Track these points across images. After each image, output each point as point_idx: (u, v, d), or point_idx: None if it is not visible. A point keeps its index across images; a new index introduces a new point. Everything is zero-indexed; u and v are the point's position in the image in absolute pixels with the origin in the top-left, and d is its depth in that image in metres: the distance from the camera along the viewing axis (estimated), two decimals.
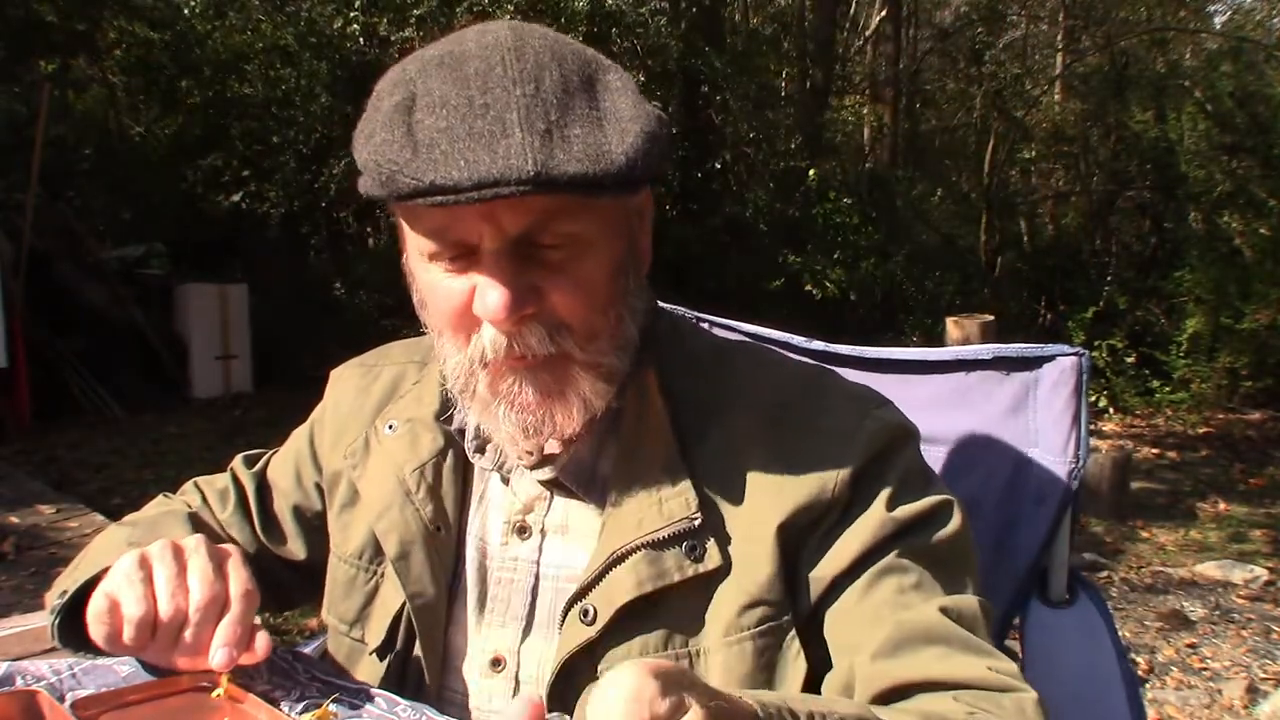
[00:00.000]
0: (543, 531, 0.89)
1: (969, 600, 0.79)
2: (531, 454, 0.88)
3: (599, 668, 0.81)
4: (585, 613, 0.81)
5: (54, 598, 0.89)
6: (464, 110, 0.72)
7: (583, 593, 0.82)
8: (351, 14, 7.30)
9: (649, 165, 0.74)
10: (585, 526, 0.87)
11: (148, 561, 0.82)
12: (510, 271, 0.75)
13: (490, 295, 0.75)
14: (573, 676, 0.82)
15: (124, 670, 0.86)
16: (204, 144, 7.95)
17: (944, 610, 0.77)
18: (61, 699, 0.79)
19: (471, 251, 0.76)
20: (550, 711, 0.81)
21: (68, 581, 0.90)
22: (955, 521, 0.83)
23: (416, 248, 0.80)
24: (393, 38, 7.08)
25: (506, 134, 0.70)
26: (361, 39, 7.39)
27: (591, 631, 0.81)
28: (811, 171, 8.61)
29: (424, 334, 1.02)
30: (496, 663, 0.88)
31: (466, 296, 0.78)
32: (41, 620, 0.90)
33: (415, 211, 0.77)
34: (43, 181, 6.11)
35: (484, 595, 0.89)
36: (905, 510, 0.81)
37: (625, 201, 0.81)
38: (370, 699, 0.83)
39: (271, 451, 1.09)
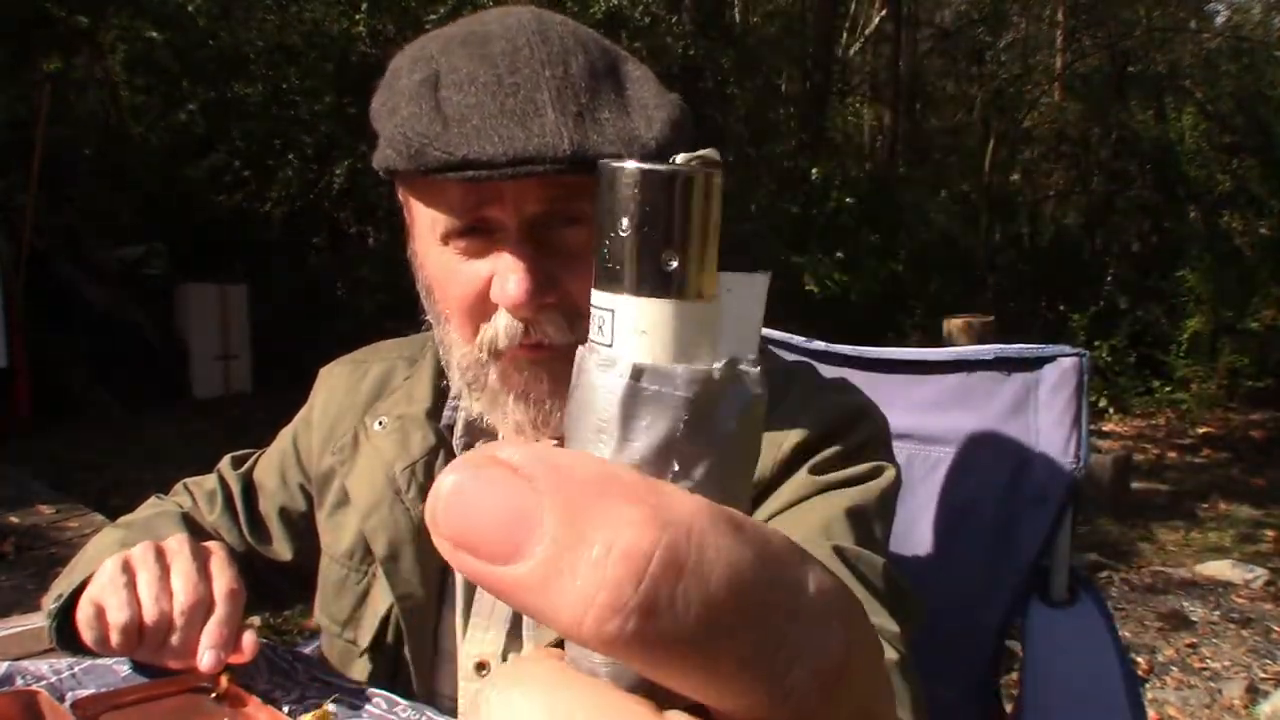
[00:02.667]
0: None
1: (872, 555, 0.76)
2: None
3: None
4: None
5: (50, 601, 0.89)
6: (493, 88, 0.71)
7: None
8: (357, 16, 7.31)
9: (676, 152, 0.74)
10: None
11: (130, 565, 0.82)
12: (531, 257, 0.73)
13: (511, 281, 0.73)
14: None
15: (124, 670, 0.85)
16: (205, 144, 7.95)
17: (838, 551, 0.73)
18: (61, 699, 0.79)
19: (490, 232, 0.75)
20: None
21: (62, 585, 0.89)
22: (881, 480, 0.81)
23: (430, 227, 0.78)
24: (399, 39, 7.10)
25: (539, 113, 0.70)
26: (367, 41, 7.39)
27: None
28: (815, 170, 8.62)
29: (416, 333, 1.01)
30: (481, 667, 0.87)
31: (483, 283, 0.76)
32: (41, 620, 0.90)
33: (436, 187, 0.75)
34: (43, 181, 6.10)
35: (470, 598, 0.88)
36: (834, 476, 0.79)
37: None
38: (369, 699, 0.83)
39: (259, 452, 1.08)
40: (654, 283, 0.20)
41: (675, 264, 0.20)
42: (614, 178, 0.20)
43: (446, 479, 0.17)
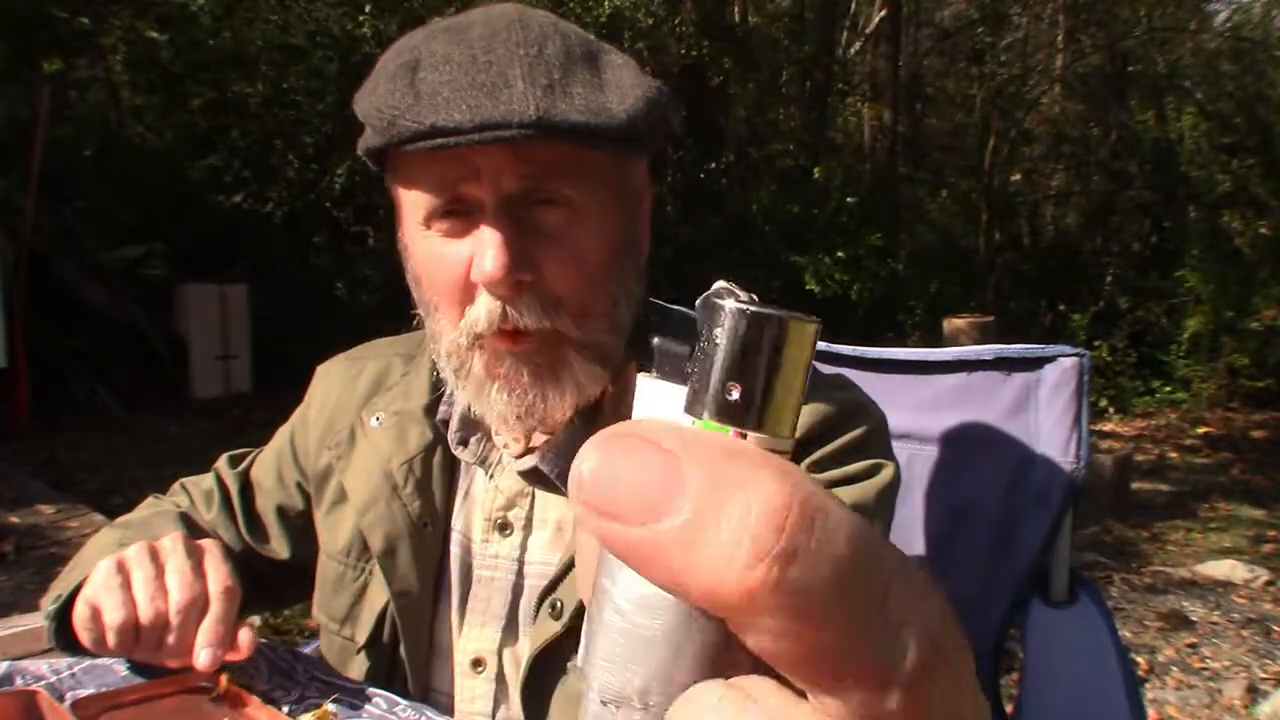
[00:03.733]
0: (525, 528, 0.87)
1: None
2: (519, 441, 0.87)
3: (568, 664, 0.80)
4: (554, 607, 0.80)
5: (48, 602, 0.89)
6: (467, 65, 0.73)
7: (552, 587, 0.81)
8: (361, 18, 7.31)
9: (649, 128, 0.75)
10: (567, 523, 0.85)
11: (125, 566, 0.82)
12: (508, 233, 0.75)
13: (488, 256, 0.74)
14: (544, 673, 0.81)
15: (124, 670, 0.85)
16: (205, 144, 7.94)
17: None
18: (61, 699, 0.79)
19: (469, 212, 0.77)
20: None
21: (60, 585, 0.90)
22: (880, 479, 0.81)
23: (413, 213, 0.80)
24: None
25: (509, 85, 0.71)
26: (372, 42, 7.39)
27: (558, 626, 0.80)
28: (817, 170, 8.62)
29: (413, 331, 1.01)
30: (477, 663, 0.87)
31: (464, 265, 0.77)
32: (41, 620, 0.90)
33: (415, 166, 0.77)
34: (43, 182, 6.10)
35: (466, 594, 0.88)
36: (831, 474, 0.79)
37: (622, 173, 0.81)
38: (369, 699, 0.83)
39: (257, 451, 1.08)
40: (716, 408, 0.21)
41: (736, 395, 0.21)
42: (711, 309, 0.21)
43: (588, 452, 0.18)
